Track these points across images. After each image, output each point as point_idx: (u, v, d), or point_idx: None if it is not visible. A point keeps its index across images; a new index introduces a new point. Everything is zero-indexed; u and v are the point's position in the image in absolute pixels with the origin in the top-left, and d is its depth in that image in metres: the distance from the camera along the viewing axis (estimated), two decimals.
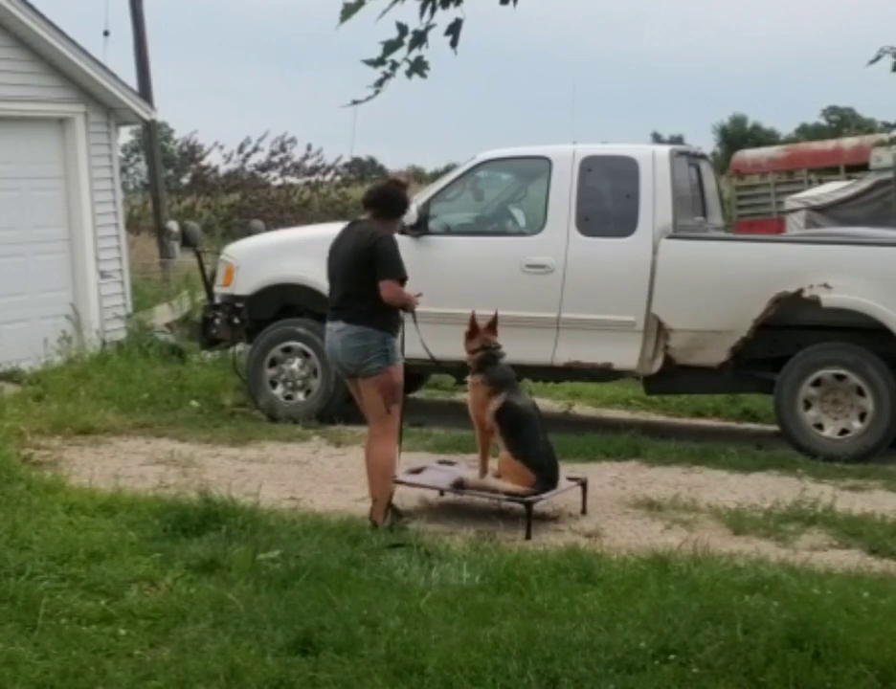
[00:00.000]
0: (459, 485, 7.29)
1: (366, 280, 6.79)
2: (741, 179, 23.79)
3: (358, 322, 6.82)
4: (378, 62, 3.75)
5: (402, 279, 6.87)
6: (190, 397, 10.70)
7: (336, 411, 10.03)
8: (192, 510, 6.64)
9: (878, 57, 4.62)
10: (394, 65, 3.75)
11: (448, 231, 10.00)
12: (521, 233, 10.03)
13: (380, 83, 3.78)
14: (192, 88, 78.94)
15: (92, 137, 12.84)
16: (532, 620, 5.11)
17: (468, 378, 7.50)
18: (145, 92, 17.91)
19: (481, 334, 7.41)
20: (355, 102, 3.85)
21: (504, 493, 7.18)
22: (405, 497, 7.57)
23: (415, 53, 3.75)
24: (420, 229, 9.81)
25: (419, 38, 3.71)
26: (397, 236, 7.27)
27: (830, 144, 23.69)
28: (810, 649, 4.70)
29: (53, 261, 12.54)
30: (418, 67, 3.78)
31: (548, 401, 11.24)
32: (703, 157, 10.98)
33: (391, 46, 3.73)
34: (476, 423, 7.39)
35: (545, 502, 7.27)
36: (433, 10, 3.72)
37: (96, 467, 8.37)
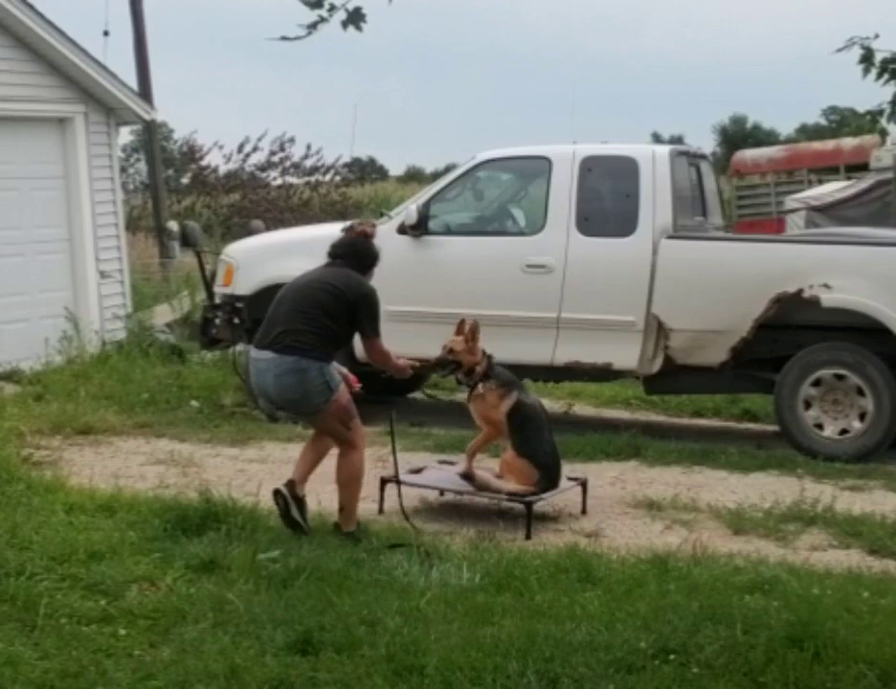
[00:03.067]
0: (468, 477, 7.25)
1: (329, 325, 6.48)
2: (741, 179, 23.80)
3: (291, 354, 6.43)
4: (316, 4, 3.72)
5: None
6: (190, 397, 10.70)
7: None
8: (192, 510, 6.65)
9: (846, 47, 4.61)
10: (332, 8, 3.72)
11: (448, 231, 10.00)
12: (521, 233, 10.03)
13: (314, 25, 3.75)
14: (192, 88, 79.09)
15: (92, 137, 12.84)
16: (532, 620, 5.11)
17: (480, 386, 7.31)
18: (145, 92, 17.92)
19: (474, 343, 7.33)
20: (284, 38, 3.83)
21: (507, 493, 7.18)
22: (405, 497, 7.58)
23: (354, 1, 3.71)
24: (420, 229, 9.82)
25: None
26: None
27: (830, 144, 23.70)
28: (810, 649, 4.70)
29: (53, 261, 12.54)
30: (355, 18, 3.75)
31: (548, 401, 11.22)
32: (703, 157, 10.97)
33: None
34: (488, 426, 7.35)
35: (545, 502, 7.28)
36: None
37: (96, 467, 8.38)
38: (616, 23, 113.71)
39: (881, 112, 4.69)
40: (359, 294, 6.60)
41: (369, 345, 6.71)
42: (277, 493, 6.63)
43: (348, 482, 6.70)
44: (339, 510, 6.72)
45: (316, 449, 6.86)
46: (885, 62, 4.57)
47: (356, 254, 6.80)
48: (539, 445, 7.25)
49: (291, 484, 6.65)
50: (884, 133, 5.31)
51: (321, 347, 6.48)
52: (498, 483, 7.25)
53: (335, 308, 6.53)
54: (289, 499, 6.59)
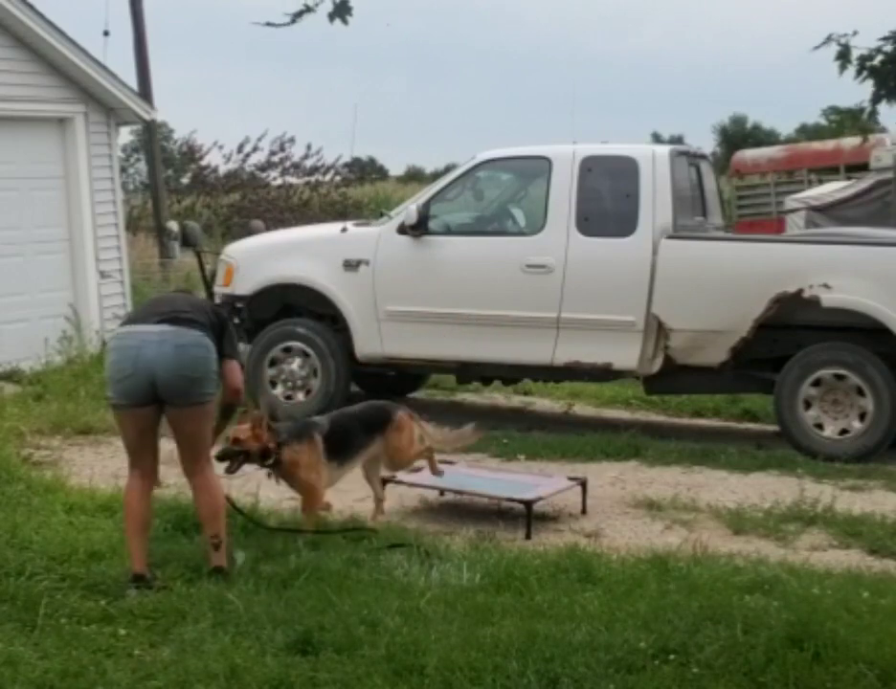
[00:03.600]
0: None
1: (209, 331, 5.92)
2: (741, 179, 23.79)
3: (195, 329, 5.78)
4: None
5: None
6: None
7: None
8: (192, 510, 6.63)
9: (823, 44, 4.55)
10: None
11: (448, 231, 10.00)
12: (521, 233, 10.02)
13: (299, 14, 3.73)
14: (192, 88, 79.06)
15: (92, 137, 12.85)
16: (532, 620, 5.11)
17: (285, 454, 6.61)
18: (145, 92, 17.92)
19: (261, 431, 6.62)
20: (269, 24, 3.81)
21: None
22: (405, 497, 7.58)
23: None
24: (420, 229, 9.82)
25: None
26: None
27: (830, 144, 23.68)
28: (810, 649, 4.70)
29: (53, 261, 12.54)
30: (341, 11, 3.72)
31: (548, 401, 11.25)
32: (703, 157, 10.97)
33: None
34: (308, 489, 6.74)
35: (545, 502, 7.28)
36: None
37: (96, 467, 8.37)
38: (616, 23, 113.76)
39: (861, 110, 4.66)
40: (224, 314, 6.20)
41: (231, 367, 6.05)
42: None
43: (217, 511, 5.91)
44: (213, 546, 5.82)
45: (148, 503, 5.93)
46: (863, 59, 4.51)
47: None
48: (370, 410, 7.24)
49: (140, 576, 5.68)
50: (866, 132, 5.30)
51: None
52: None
53: (212, 319, 5.94)
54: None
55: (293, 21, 3.75)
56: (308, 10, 3.71)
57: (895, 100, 4.53)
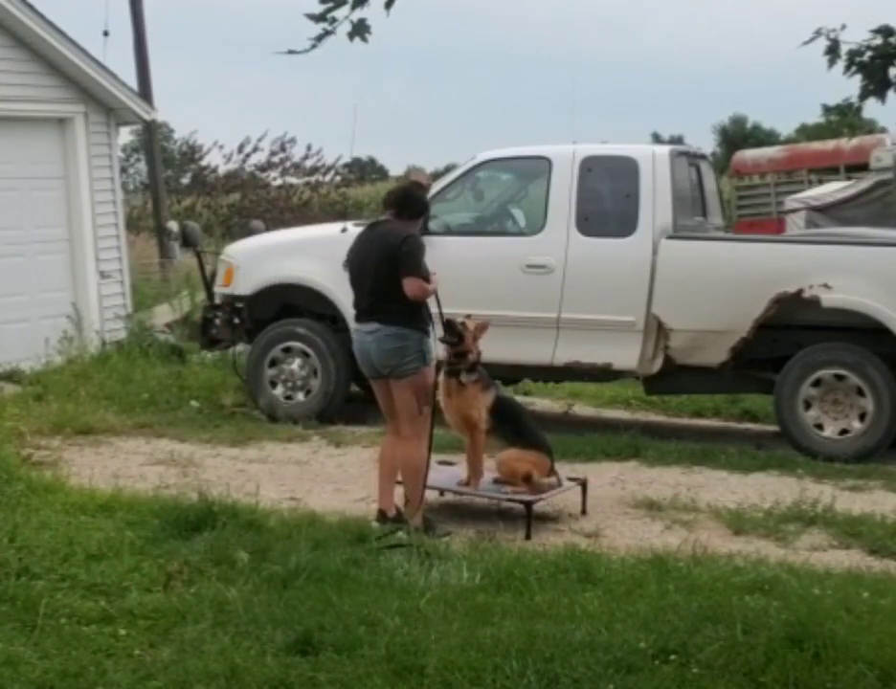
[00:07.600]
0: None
1: (397, 279, 6.72)
2: (741, 179, 23.77)
3: (395, 323, 6.76)
4: (320, 18, 3.70)
5: (424, 279, 6.83)
6: (190, 397, 10.70)
7: (336, 411, 10.04)
8: (192, 510, 6.64)
9: (812, 39, 4.48)
10: (334, 21, 3.70)
11: (448, 231, 9.99)
12: (521, 234, 10.02)
13: (319, 39, 3.73)
14: (192, 88, 78.97)
15: (92, 137, 12.84)
16: (532, 620, 5.11)
17: (462, 375, 7.24)
18: (145, 92, 17.90)
19: (479, 336, 7.33)
20: (291, 52, 3.82)
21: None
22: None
23: (358, 13, 3.70)
24: (420, 229, 9.80)
25: None
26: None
27: (830, 144, 23.65)
28: (810, 649, 4.70)
29: (53, 261, 12.54)
30: (360, 30, 3.72)
31: (547, 401, 11.25)
32: (703, 157, 10.98)
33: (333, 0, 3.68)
34: (466, 426, 7.28)
35: (545, 502, 7.28)
36: None
37: (96, 467, 8.37)
38: (617, 23, 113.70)
39: (850, 106, 4.61)
40: (400, 243, 6.85)
41: (404, 284, 6.77)
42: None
43: (412, 474, 6.90)
44: (405, 502, 6.99)
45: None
46: (852, 54, 4.42)
47: (406, 200, 7.07)
48: (536, 432, 7.37)
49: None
50: (853, 128, 5.25)
51: None
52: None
53: (395, 271, 6.87)
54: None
55: (314, 46, 3.74)
56: (328, 32, 3.70)
57: (882, 96, 4.47)
